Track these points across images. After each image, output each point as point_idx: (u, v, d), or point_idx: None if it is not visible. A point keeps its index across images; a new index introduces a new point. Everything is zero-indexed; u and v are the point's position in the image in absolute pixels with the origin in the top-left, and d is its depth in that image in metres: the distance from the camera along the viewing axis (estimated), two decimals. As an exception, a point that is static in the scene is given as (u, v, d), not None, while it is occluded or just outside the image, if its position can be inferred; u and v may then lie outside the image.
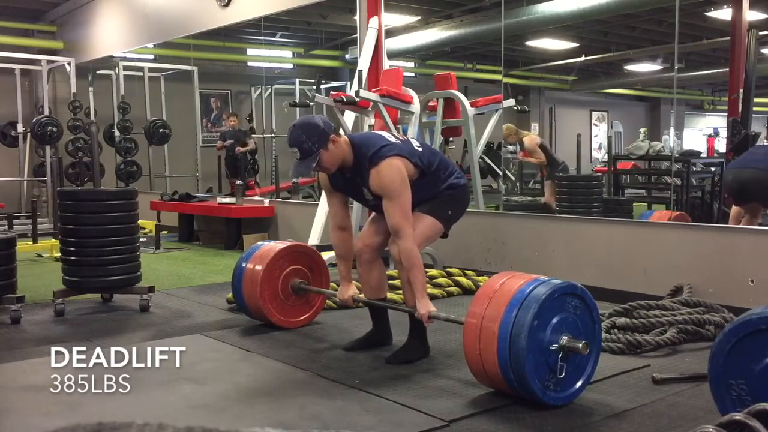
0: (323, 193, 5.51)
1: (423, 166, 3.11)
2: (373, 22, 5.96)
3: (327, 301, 4.39)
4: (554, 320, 2.55)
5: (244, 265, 3.85)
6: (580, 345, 2.53)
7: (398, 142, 3.16)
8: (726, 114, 7.04)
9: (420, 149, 3.18)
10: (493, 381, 2.65)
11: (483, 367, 2.61)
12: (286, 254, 3.83)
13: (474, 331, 2.61)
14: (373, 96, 5.30)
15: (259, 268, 3.75)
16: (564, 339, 2.55)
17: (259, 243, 4.03)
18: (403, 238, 3.00)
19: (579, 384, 2.65)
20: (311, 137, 2.98)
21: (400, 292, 4.23)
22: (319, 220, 5.54)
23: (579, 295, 2.64)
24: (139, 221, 4.62)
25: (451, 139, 6.39)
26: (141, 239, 4.97)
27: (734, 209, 4.87)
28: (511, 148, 9.50)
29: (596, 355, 2.71)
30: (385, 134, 3.28)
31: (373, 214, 3.42)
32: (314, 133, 2.99)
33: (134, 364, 3.25)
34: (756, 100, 6.50)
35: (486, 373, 2.62)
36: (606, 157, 9.91)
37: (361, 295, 3.47)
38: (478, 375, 2.69)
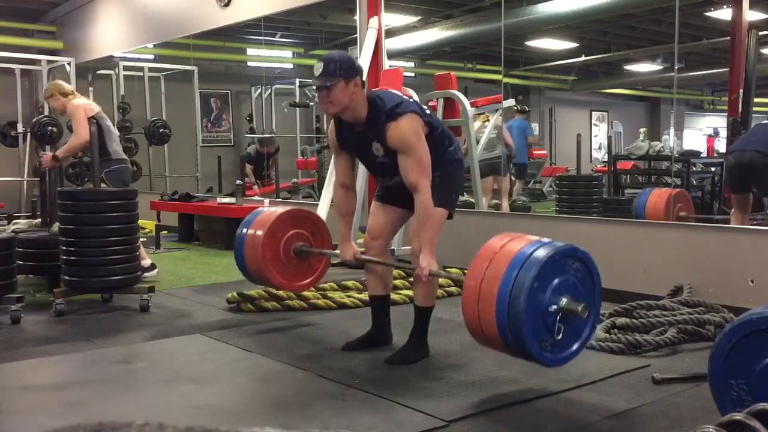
0: (323, 193, 5.53)
1: (433, 124, 3.17)
2: (373, 22, 5.96)
3: (326, 301, 4.39)
4: (554, 282, 2.54)
5: (245, 231, 3.81)
6: (579, 308, 2.53)
7: (411, 100, 3.19)
8: (726, 114, 7.03)
9: (427, 110, 3.25)
10: (490, 341, 2.63)
11: (481, 328, 2.59)
12: (288, 218, 3.79)
13: (473, 293, 2.60)
14: (373, 96, 5.30)
15: (260, 232, 3.70)
16: (563, 301, 2.55)
17: (261, 208, 3.99)
18: (420, 192, 3.02)
19: (576, 346, 2.65)
20: (342, 64, 3.02)
21: (400, 292, 4.24)
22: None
23: (580, 258, 2.64)
24: (139, 221, 4.62)
25: None
26: (141, 239, 4.97)
27: (736, 215, 4.86)
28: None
29: (594, 318, 2.71)
30: (398, 92, 3.31)
31: (374, 207, 3.42)
32: (347, 63, 3.04)
33: (134, 364, 3.27)
34: (756, 100, 6.50)
35: (483, 333, 2.60)
36: (606, 157, 9.91)
37: (362, 255, 3.41)
38: (477, 335, 2.67)
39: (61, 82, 5.20)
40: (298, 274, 3.84)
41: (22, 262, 4.62)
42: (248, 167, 10.22)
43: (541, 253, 2.53)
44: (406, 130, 3.02)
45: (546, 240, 2.64)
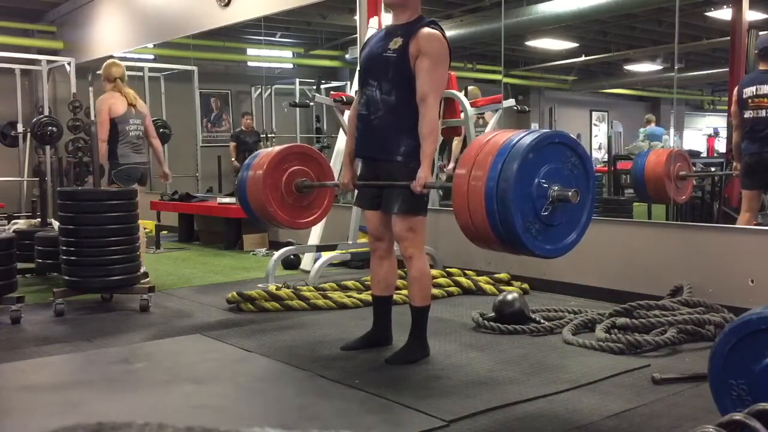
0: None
1: None
2: (373, 22, 5.96)
3: (326, 301, 4.39)
4: (544, 168, 2.56)
5: (246, 173, 3.81)
6: (570, 193, 2.54)
7: None
8: (726, 114, 7.03)
9: None
10: (480, 231, 2.63)
11: (471, 220, 2.60)
12: (291, 154, 3.81)
13: (462, 188, 2.61)
14: (373, 96, 5.29)
15: (259, 172, 3.71)
16: (555, 188, 2.56)
17: (262, 150, 4.02)
18: (427, 107, 3.07)
19: (573, 236, 2.69)
20: None
21: (400, 292, 4.24)
22: (319, 220, 5.53)
23: (572, 147, 2.65)
24: (139, 221, 4.62)
25: None
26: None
27: (744, 216, 4.84)
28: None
29: (590, 208, 2.72)
30: None
31: (365, 213, 3.42)
32: None
33: (134, 364, 3.27)
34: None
35: (473, 223, 2.61)
36: (606, 157, 9.91)
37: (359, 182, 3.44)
38: (466, 228, 2.68)
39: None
40: (299, 211, 3.87)
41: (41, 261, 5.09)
42: (233, 143, 10.24)
43: (529, 138, 2.55)
44: (441, 44, 3.09)
45: (534, 127, 2.69)
